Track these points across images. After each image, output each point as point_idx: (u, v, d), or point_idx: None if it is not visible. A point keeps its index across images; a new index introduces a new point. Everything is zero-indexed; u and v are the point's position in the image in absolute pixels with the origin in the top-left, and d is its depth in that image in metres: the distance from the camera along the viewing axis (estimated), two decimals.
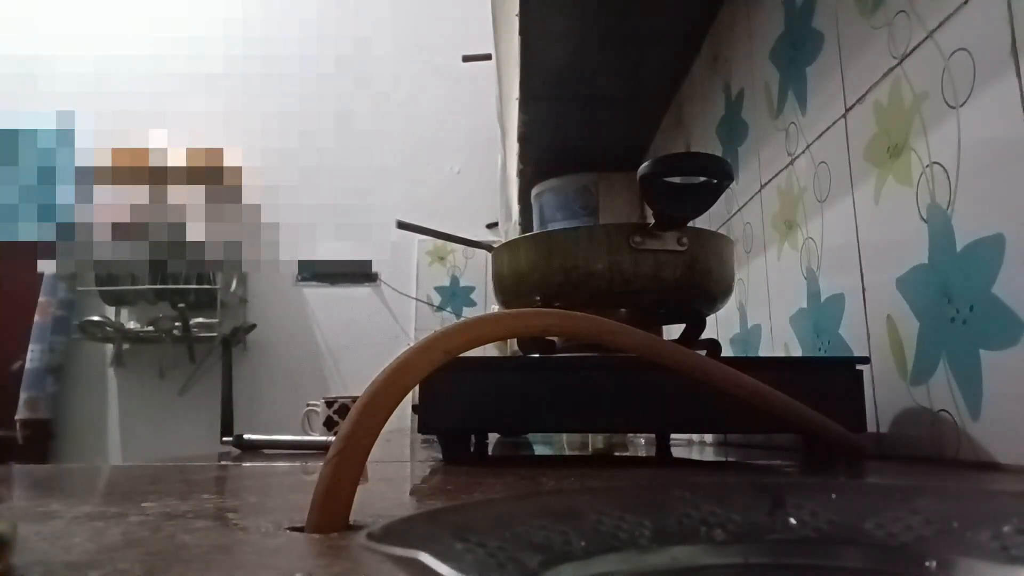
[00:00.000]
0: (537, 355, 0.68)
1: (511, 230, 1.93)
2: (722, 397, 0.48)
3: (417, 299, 2.82)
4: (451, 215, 2.68)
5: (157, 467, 0.67)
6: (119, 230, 2.34)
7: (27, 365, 2.66)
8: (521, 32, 1.08)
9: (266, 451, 0.92)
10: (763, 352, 0.89)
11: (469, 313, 2.80)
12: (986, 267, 0.47)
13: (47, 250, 2.40)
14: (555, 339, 0.70)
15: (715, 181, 0.60)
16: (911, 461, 0.56)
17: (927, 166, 0.54)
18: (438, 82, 2.93)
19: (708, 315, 0.71)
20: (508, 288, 0.71)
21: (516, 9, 1.03)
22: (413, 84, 2.95)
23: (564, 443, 1.14)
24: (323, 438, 0.94)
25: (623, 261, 0.64)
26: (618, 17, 1.06)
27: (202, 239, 2.39)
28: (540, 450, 1.00)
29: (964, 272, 0.50)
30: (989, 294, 0.47)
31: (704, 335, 0.70)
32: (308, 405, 1.30)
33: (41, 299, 2.72)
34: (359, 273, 2.84)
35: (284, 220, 2.51)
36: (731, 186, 0.94)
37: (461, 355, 0.34)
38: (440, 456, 0.69)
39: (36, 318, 2.70)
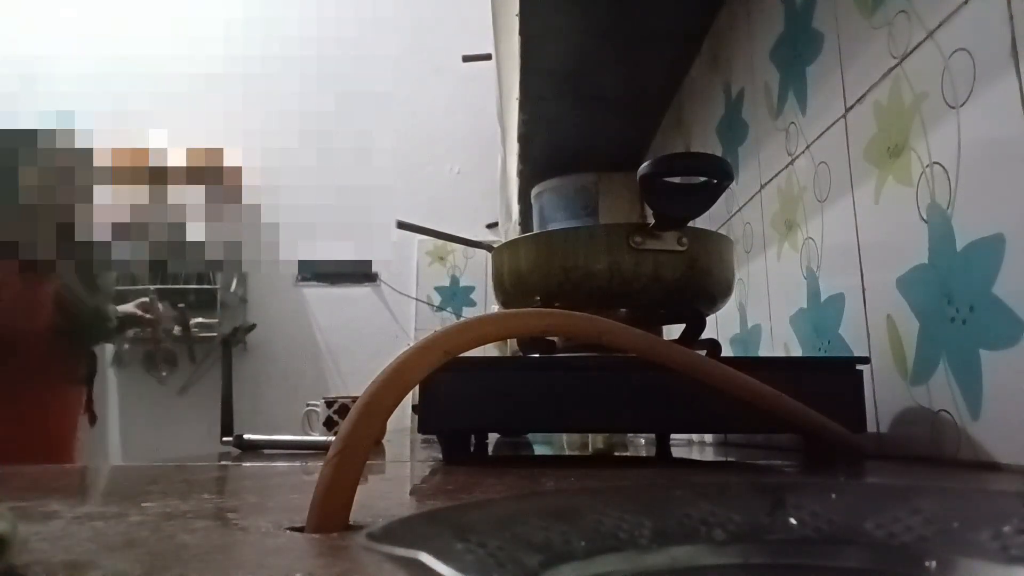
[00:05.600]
0: (537, 355, 0.68)
1: (511, 230, 1.93)
2: (722, 397, 0.48)
3: (417, 299, 2.82)
4: (451, 215, 2.67)
5: (157, 467, 0.67)
6: (119, 230, 2.34)
7: None
8: (521, 32, 1.08)
9: (266, 451, 0.92)
10: (763, 352, 0.89)
11: (469, 313, 2.80)
12: (986, 267, 0.47)
13: None
14: (555, 339, 0.70)
15: (715, 181, 0.60)
16: (911, 461, 0.56)
17: (927, 166, 0.54)
18: (438, 82, 2.93)
19: (708, 315, 0.71)
20: (508, 288, 0.71)
21: (516, 9, 1.03)
22: (413, 84, 2.94)
23: (564, 443, 1.14)
24: (323, 438, 0.94)
25: (623, 261, 0.64)
26: (618, 17, 1.06)
27: (202, 239, 2.39)
28: (540, 450, 1.00)
29: (964, 272, 0.50)
30: (989, 294, 0.47)
31: (704, 335, 0.70)
32: (308, 405, 1.30)
33: None
34: (359, 273, 2.84)
35: (284, 220, 2.51)
36: (731, 186, 0.94)
37: (461, 355, 0.34)
38: (440, 456, 0.69)
39: None
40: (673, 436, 1.05)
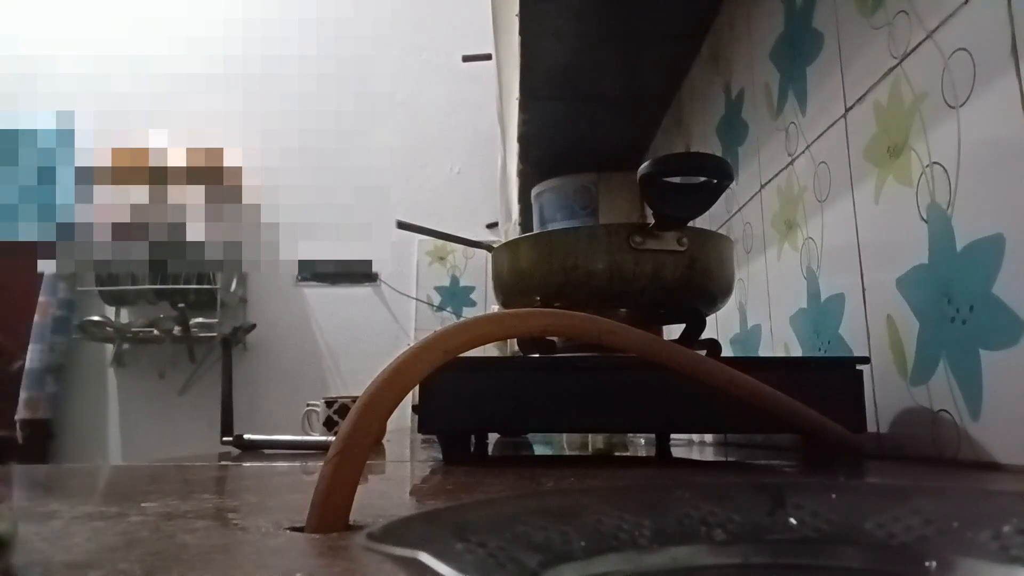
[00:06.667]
0: (537, 355, 0.68)
1: (511, 230, 1.93)
2: (722, 397, 0.48)
3: (417, 299, 2.82)
4: (451, 215, 2.68)
5: (157, 467, 0.67)
6: (119, 230, 2.34)
7: (27, 365, 2.66)
8: (521, 32, 1.08)
9: (266, 451, 0.92)
10: (763, 352, 0.89)
11: (469, 313, 2.80)
12: (986, 267, 0.47)
13: (47, 250, 2.39)
14: (555, 339, 0.70)
15: (715, 181, 0.60)
16: (911, 461, 0.56)
17: (927, 166, 0.54)
18: (438, 82, 2.93)
19: (708, 315, 0.71)
20: (508, 288, 0.71)
21: (516, 9, 1.03)
22: (413, 84, 2.95)
23: (564, 443, 1.14)
24: (323, 438, 0.94)
25: (623, 261, 0.64)
26: (618, 17, 1.06)
27: (202, 239, 2.39)
28: (540, 450, 1.00)
29: (964, 272, 0.50)
30: (989, 294, 0.47)
31: (704, 335, 0.70)
32: (308, 405, 1.30)
33: (41, 299, 2.72)
34: (359, 273, 2.84)
35: (284, 220, 2.51)
36: (731, 186, 0.94)
37: (461, 355, 0.34)
38: (440, 456, 0.69)
39: (36, 318, 2.70)
40: (673, 436, 1.05)
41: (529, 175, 1.56)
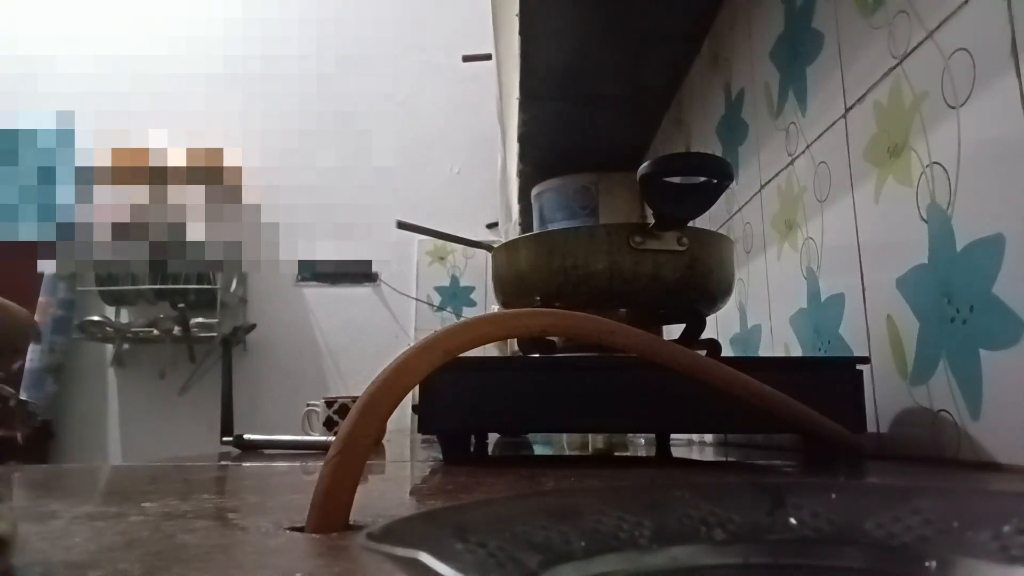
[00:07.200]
0: (537, 355, 0.68)
1: (511, 230, 1.93)
2: (722, 397, 0.48)
3: (417, 299, 2.82)
4: (451, 215, 2.67)
5: (157, 467, 0.67)
6: (119, 230, 2.34)
7: (27, 365, 2.66)
8: (521, 32, 1.08)
9: (266, 451, 0.92)
10: (763, 352, 0.89)
11: (469, 313, 2.80)
12: (986, 267, 0.47)
13: (47, 250, 2.40)
14: (555, 339, 0.70)
15: (715, 181, 0.60)
16: (911, 461, 0.56)
17: (927, 166, 0.54)
18: (438, 82, 2.93)
19: (708, 315, 0.71)
20: (508, 288, 0.71)
21: (516, 9, 1.03)
22: (413, 84, 2.95)
23: (564, 443, 1.14)
24: (323, 438, 0.94)
25: (623, 261, 0.64)
26: (618, 17, 1.06)
27: (202, 239, 2.39)
28: (540, 450, 1.00)
29: (964, 272, 0.50)
30: (989, 294, 0.47)
31: (704, 335, 0.70)
32: (308, 405, 1.30)
33: (41, 299, 2.72)
34: (359, 273, 2.84)
35: (284, 220, 2.51)
36: (731, 186, 0.94)
37: (461, 355, 0.34)
38: (440, 456, 0.69)
39: (36, 318, 2.70)
40: (673, 436, 1.05)
41: (529, 175, 1.56)
